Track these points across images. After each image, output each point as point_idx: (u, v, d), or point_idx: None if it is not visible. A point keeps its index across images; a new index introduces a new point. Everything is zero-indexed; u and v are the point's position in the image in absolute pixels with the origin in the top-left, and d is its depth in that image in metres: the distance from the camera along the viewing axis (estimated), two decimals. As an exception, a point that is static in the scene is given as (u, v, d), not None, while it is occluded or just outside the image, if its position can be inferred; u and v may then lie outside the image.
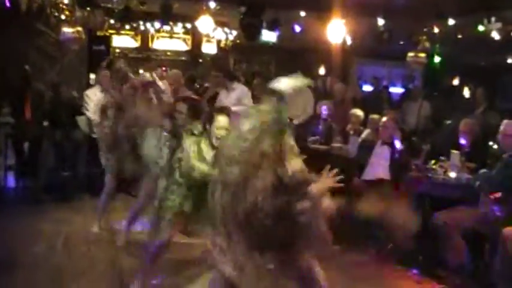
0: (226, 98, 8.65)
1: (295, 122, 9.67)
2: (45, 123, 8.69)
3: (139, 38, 12.67)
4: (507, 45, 11.30)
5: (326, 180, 3.15)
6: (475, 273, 5.37)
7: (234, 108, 8.41)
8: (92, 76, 9.63)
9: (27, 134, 8.52)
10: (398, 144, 6.60)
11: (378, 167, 6.62)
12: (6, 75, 8.69)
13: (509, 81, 13.23)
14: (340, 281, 5.25)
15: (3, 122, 8.35)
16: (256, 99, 8.86)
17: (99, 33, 11.52)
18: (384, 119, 7.01)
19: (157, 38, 12.80)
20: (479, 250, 5.60)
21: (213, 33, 12.77)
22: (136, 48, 12.68)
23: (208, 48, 13.22)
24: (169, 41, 12.93)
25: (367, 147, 6.96)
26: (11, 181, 8.52)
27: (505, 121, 5.65)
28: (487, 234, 5.40)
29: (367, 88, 13.30)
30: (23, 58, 9.44)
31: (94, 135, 8.43)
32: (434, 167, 6.25)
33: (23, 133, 8.49)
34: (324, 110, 8.94)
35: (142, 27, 12.42)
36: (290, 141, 3.36)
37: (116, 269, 5.48)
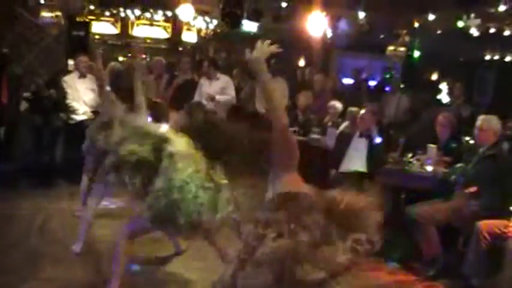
0: (209, 87, 8.64)
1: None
2: (23, 108, 8.60)
3: (119, 24, 12.58)
4: (485, 42, 11.42)
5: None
6: (448, 266, 5.44)
7: (218, 97, 8.46)
8: (71, 62, 9.53)
9: (4, 118, 8.42)
10: (376, 138, 6.64)
11: (355, 159, 6.66)
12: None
13: (486, 76, 13.38)
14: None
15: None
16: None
17: (78, 18, 11.41)
18: (362, 111, 7.05)
19: (138, 25, 12.72)
20: (453, 243, 5.67)
21: (194, 22, 12.73)
22: (116, 35, 12.59)
23: (189, 37, 13.18)
24: (150, 28, 12.86)
25: (344, 139, 7.00)
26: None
27: (481, 116, 5.71)
28: (461, 228, 5.47)
29: (348, 81, 13.35)
30: (0, 42, 9.31)
31: (71, 121, 8.40)
32: (410, 160, 6.31)
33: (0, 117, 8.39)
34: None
35: (122, 14, 12.33)
36: None
37: (92, 254, 5.47)
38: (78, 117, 8.33)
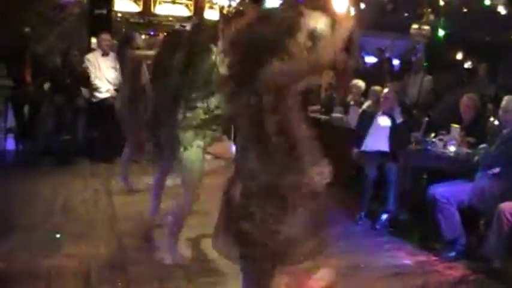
0: None
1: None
2: (46, 87, 8.67)
3: (141, 2, 12.53)
4: (513, 21, 11.19)
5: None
6: (469, 247, 5.40)
7: None
8: (93, 40, 9.56)
9: (27, 97, 8.50)
10: (399, 117, 6.58)
11: (378, 138, 6.61)
12: (6, 38, 8.60)
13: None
14: (333, 251, 5.27)
15: (3, 85, 8.32)
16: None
17: (100, -4, 11.39)
18: (386, 90, 6.98)
19: (160, 3, 12.67)
20: (475, 225, 5.62)
21: (216, 0, 12.65)
22: (138, 13, 12.56)
23: (211, 15, 13.11)
24: (172, 6, 12.80)
25: (367, 118, 6.94)
26: (10, 144, 8.53)
27: (506, 97, 5.62)
28: (483, 209, 5.42)
29: (370, 59, 13.21)
30: (23, 21, 9.35)
31: (94, 100, 8.45)
32: (433, 140, 6.25)
33: (23, 96, 8.46)
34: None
35: (144, -9, 12.28)
36: None
37: (115, 231, 5.52)
38: (101, 95, 8.38)
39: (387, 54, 12.77)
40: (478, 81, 9.85)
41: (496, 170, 5.34)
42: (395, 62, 13.16)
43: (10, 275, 4.33)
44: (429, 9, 11.15)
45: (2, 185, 6.79)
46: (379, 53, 12.20)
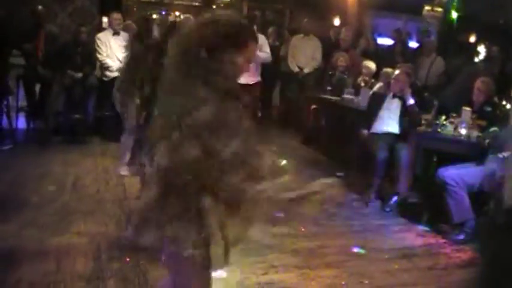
0: None
1: (306, 70, 9.71)
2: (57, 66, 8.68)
3: (152, -19, 12.48)
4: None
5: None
6: (478, 230, 5.39)
7: (258, 53, 8.56)
8: (104, 19, 9.55)
9: (39, 76, 8.51)
10: (410, 99, 6.51)
11: (388, 120, 6.58)
12: (17, 16, 8.60)
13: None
14: (343, 232, 5.32)
15: (15, 64, 8.33)
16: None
17: (112, -25, 11.34)
18: (397, 72, 6.92)
19: (171, -18, 12.60)
20: (484, 208, 5.60)
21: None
22: (149, -8, 12.51)
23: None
24: (183, -15, 12.73)
25: (377, 100, 6.91)
26: (21, 122, 8.56)
27: (520, 80, 5.58)
28: (492, 193, 5.39)
29: (383, 41, 13.04)
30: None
31: (105, 79, 8.46)
32: (444, 122, 6.21)
33: (35, 75, 8.47)
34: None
35: (156, -30, 12.23)
36: None
37: (124, 210, 5.55)
38: (112, 74, 8.38)
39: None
40: (490, 63, 9.72)
41: (507, 153, 5.31)
42: (413, 44, 13.00)
43: (20, 252, 4.37)
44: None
45: (13, 163, 6.85)
46: (396, 35, 11.98)
